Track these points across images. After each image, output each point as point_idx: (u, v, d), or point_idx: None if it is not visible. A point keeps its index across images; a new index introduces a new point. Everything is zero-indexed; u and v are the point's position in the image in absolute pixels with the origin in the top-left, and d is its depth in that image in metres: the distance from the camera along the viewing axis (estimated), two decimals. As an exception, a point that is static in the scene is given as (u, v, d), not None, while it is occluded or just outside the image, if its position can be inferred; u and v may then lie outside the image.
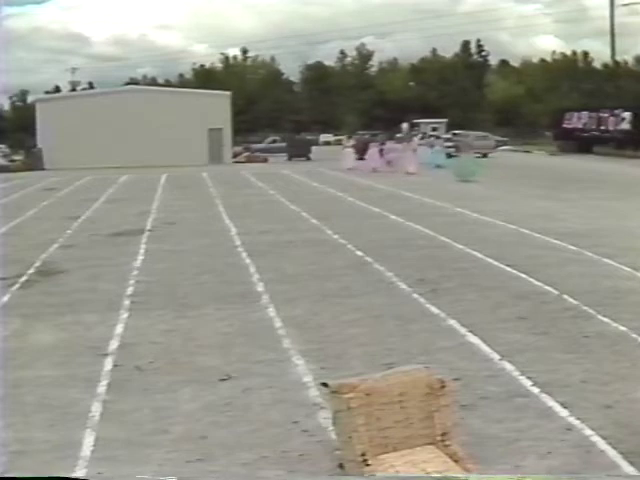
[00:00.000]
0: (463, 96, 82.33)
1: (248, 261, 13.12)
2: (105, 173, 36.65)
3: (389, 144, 43.66)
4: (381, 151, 40.14)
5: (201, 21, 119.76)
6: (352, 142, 42.77)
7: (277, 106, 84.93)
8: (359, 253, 13.47)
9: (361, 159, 45.13)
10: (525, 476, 4.99)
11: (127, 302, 10.43)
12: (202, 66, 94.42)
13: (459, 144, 42.39)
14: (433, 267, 12.17)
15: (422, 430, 4.78)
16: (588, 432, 5.82)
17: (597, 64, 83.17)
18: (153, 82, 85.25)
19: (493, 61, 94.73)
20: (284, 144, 54.81)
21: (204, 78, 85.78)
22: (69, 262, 13.62)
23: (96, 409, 6.56)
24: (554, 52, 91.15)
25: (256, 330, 8.92)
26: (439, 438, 4.78)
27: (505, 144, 59.52)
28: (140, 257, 13.90)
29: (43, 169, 44.16)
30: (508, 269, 11.81)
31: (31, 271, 12.84)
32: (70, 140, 44.53)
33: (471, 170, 29.86)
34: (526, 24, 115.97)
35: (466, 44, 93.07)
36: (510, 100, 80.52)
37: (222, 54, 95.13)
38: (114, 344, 8.48)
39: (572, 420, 6.06)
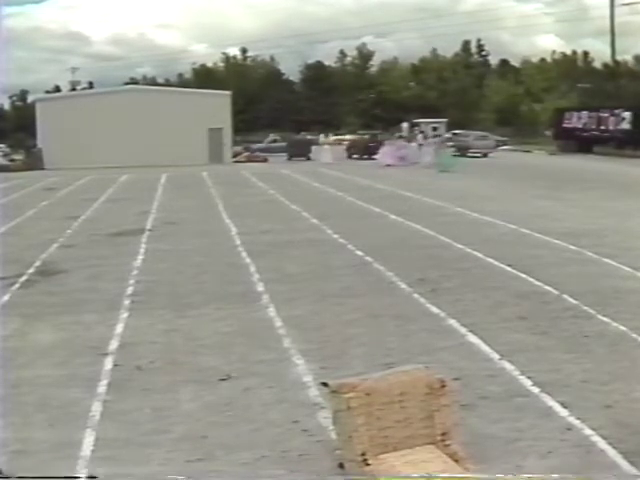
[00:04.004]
0: (463, 96, 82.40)
1: (248, 261, 13.12)
2: (105, 173, 36.66)
3: (399, 142, 46.59)
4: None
5: (200, 20, 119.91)
6: (330, 139, 46.15)
7: (277, 106, 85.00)
8: (359, 253, 13.47)
9: (361, 158, 46.52)
10: (531, 476, 4.99)
11: (127, 302, 10.43)
12: (202, 65, 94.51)
13: (440, 142, 43.97)
14: (433, 267, 12.18)
15: (422, 430, 4.78)
16: (588, 432, 5.82)
17: (597, 64, 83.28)
18: (153, 82, 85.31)
19: (493, 61, 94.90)
20: (284, 144, 54.85)
21: (204, 78, 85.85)
22: (69, 262, 13.62)
23: (96, 409, 6.56)
24: (554, 52, 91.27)
25: (256, 330, 8.92)
26: (439, 438, 4.78)
27: (505, 144, 59.51)
28: (140, 257, 13.90)
29: (43, 169, 44.14)
30: (508, 269, 11.82)
31: (31, 271, 12.85)
32: (70, 140, 44.52)
33: (447, 163, 35.01)
34: (527, 23, 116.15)
35: (466, 44, 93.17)
36: (510, 100, 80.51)
37: (224, 53, 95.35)
38: (114, 344, 8.48)
39: (572, 420, 6.05)
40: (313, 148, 50.35)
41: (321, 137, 55.64)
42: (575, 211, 19.02)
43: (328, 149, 46.12)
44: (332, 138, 66.50)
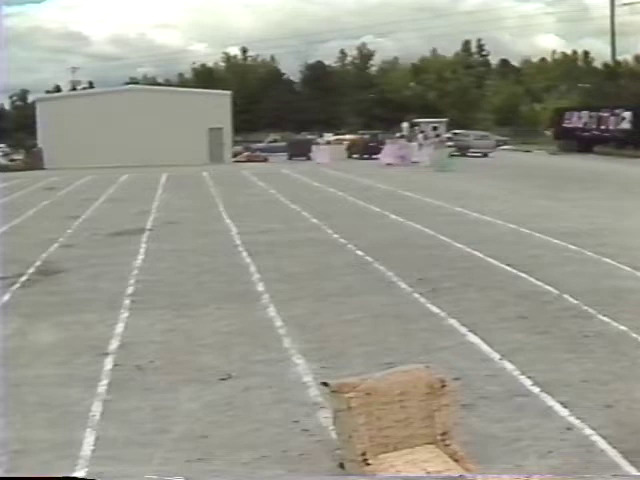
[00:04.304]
0: (463, 95, 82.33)
1: (248, 260, 13.12)
2: (105, 172, 36.66)
3: (401, 141, 47.51)
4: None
5: (200, 20, 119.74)
6: (325, 140, 49.92)
7: (278, 105, 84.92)
8: (359, 252, 13.47)
9: (361, 157, 46.82)
10: (530, 476, 4.99)
11: (127, 301, 10.43)
12: (202, 65, 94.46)
13: (438, 141, 44.53)
14: (433, 266, 12.18)
15: (422, 429, 4.78)
16: (588, 431, 5.82)
17: (598, 63, 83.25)
18: (153, 82, 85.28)
19: (494, 61, 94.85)
20: (284, 143, 54.91)
21: (204, 77, 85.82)
22: (69, 261, 13.62)
23: (96, 408, 6.56)
24: (554, 52, 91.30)
25: (256, 329, 8.92)
26: (439, 437, 4.78)
27: (505, 143, 59.53)
28: (140, 256, 13.90)
29: (43, 168, 44.16)
30: (508, 268, 11.82)
31: (31, 270, 12.84)
32: (70, 139, 44.53)
33: (444, 163, 35.45)
34: (527, 23, 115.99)
35: (467, 43, 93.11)
36: (510, 99, 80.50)
37: (225, 53, 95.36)
38: (114, 343, 8.48)
39: (572, 419, 6.05)
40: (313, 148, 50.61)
41: (316, 138, 56.06)
42: (575, 211, 19.02)
43: (323, 149, 46.98)
44: (331, 138, 67.04)
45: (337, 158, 44.82)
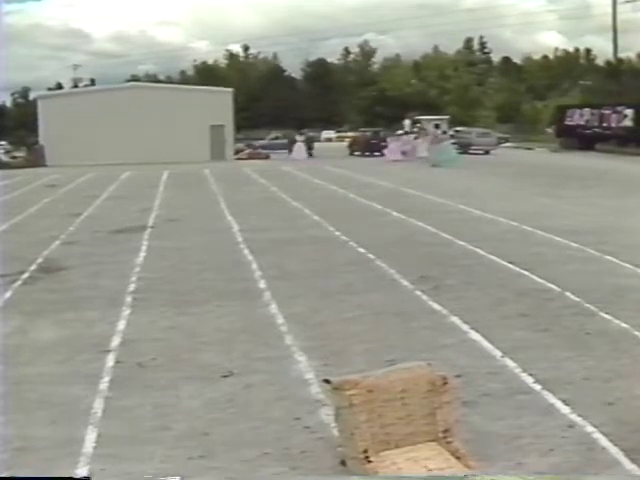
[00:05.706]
0: (465, 93, 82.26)
1: (250, 258, 13.12)
2: (107, 170, 36.66)
3: (404, 138, 48.13)
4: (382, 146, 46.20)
5: (202, 17, 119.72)
6: (302, 137, 51.61)
7: (279, 103, 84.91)
8: (361, 250, 13.47)
9: (363, 155, 47.07)
10: (528, 476, 4.98)
11: (129, 299, 10.44)
12: (204, 63, 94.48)
13: (433, 137, 45.14)
14: (435, 264, 12.17)
15: (424, 427, 4.78)
16: (590, 429, 5.81)
17: (600, 61, 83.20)
18: (154, 79, 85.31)
19: (495, 58, 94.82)
20: (286, 141, 54.90)
21: (206, 75, 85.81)
22: (71, 259, 13.63)
23: (98, 406, 6.56)
24: (556, 49, 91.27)
25: (258, 327, 8.92)
26: (441, 435, 4.78)
27: (507, 141, 59.50)
28: (142, 254, 13.90)
29: (45, 166, 44.17)
30: (510, 266, 11.81)
31: (33, 268, 12.85)
32: (72, 137, 44.51)
33: (439, 159, 35.97)
34: (529, 21, 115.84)
35: (468, 41, 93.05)
36: (512, 97, 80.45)
37: (227, 50, 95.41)
38: (116, 341, 8.49)
39: (574, 417, 6.05)
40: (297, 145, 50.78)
41: (297, 136, 56.45)
42: (577, 209, 19.01)
43: (300, 146, 48.93)
44: (333, 135, 67.09)
45: (337, 156, 44.92)
